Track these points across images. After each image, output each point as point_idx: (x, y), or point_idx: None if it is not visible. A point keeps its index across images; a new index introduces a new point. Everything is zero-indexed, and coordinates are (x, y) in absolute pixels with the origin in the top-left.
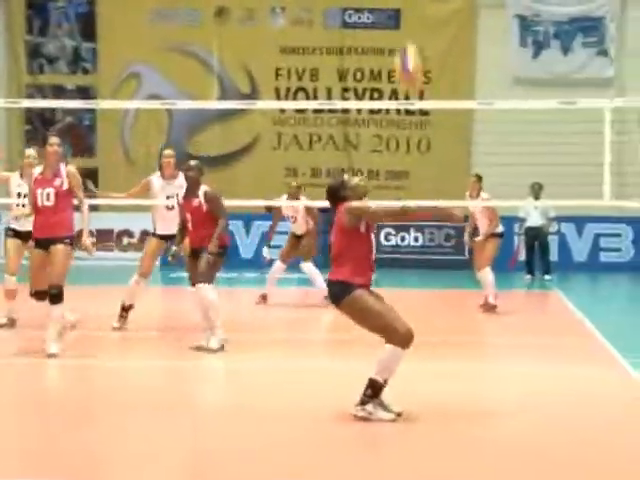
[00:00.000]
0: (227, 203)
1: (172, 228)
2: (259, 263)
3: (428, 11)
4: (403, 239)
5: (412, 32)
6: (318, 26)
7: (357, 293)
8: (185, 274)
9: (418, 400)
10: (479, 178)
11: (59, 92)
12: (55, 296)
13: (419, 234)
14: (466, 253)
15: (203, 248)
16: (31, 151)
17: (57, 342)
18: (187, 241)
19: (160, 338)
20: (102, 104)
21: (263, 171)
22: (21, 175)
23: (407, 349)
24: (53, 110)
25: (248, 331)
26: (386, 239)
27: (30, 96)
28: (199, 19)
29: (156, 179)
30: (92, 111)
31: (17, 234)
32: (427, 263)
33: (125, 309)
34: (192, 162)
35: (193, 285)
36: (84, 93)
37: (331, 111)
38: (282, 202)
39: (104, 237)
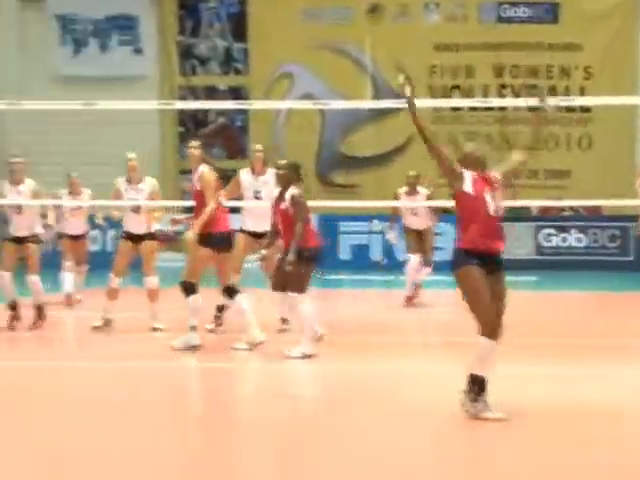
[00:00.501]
0: (383, 204)
1: (261, 225)
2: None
3: (587, 4)
4: (564, 240)
5: (571, 26)
6: (473, 21)
7: (467, 269)
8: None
9: (584, 404)
10: None
11: (211, 93)
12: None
13: (582, 235)
14: (631, 254)
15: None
16: (131, 155)
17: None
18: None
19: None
20: (254, 104)
21: (418, 170)
22: (128, 180)
23: (495, 340)
24: (206, 111)
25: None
26: (546, 240)
27: (183, 98)
28: (351, 17)
29: (245, 174)
30: (244, 112)
31: (129, 236)
32: (590, 264)
33: (220, 309)
34: (285, 161)
35: (274, 289)
36: (236, 94)
37: (488, 109)
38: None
39: None
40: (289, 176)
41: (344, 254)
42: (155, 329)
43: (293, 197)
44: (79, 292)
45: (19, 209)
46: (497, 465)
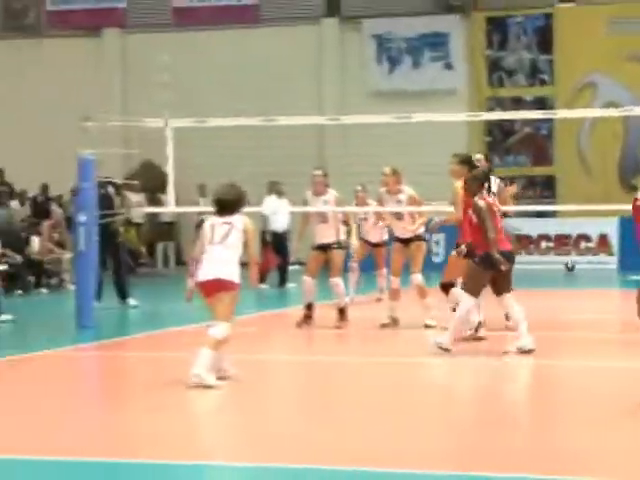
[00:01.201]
0: None
1: (325, 238)
2: None
3: None
4: None
5: None
6: None
7: None
8: None
9: None
10: None
11: (517, 104)
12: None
13: None
14: None
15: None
16: (387, 169)
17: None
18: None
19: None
20: (559, 114)
21: None
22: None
23: None
24: (512, 121)
25: None
26: None
27: (490, 109)
28: None
29: (308, 194)
30: (549, 121)
31: (399, 240)
32: None
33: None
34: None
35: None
36: (541, 104)
37: None
38: None
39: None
40: (470, 188)
41: None
42: (427, 326)
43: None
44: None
45: (324, 218)
46: None
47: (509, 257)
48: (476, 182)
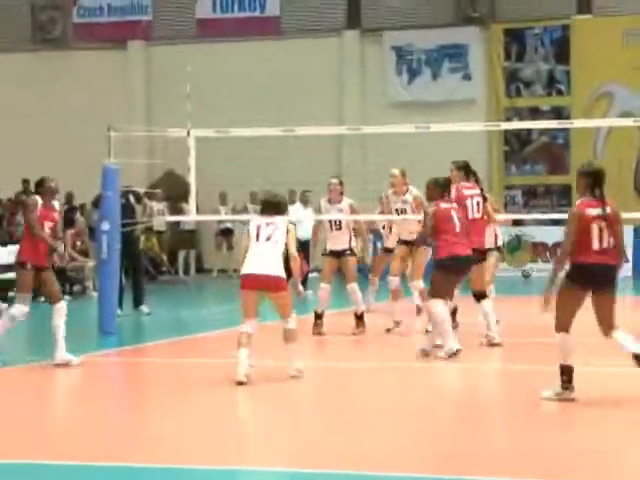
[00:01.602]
0: None
1: (338, 245)
2: None
3: None
4: None
5: None
6: None
7: None
8: None
9: None
10: None
11: (535, 113)
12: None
13: None
14: None
15: None
16: (395, 171)
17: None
18: None
19: None
20: (576, 123)
21: None
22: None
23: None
24: (529, 131)
25: None
26: None
27: (508, 118)
28: None
29: (323, 202)
30: (566, 130)
31: (404, 242)
32: None
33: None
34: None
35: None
36: (558, 113)
37: None
38: None
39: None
40: (430, 193)
41: None
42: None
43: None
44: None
45: (339, 225)
46: None
47: (463, 262)
48: (437, 189)
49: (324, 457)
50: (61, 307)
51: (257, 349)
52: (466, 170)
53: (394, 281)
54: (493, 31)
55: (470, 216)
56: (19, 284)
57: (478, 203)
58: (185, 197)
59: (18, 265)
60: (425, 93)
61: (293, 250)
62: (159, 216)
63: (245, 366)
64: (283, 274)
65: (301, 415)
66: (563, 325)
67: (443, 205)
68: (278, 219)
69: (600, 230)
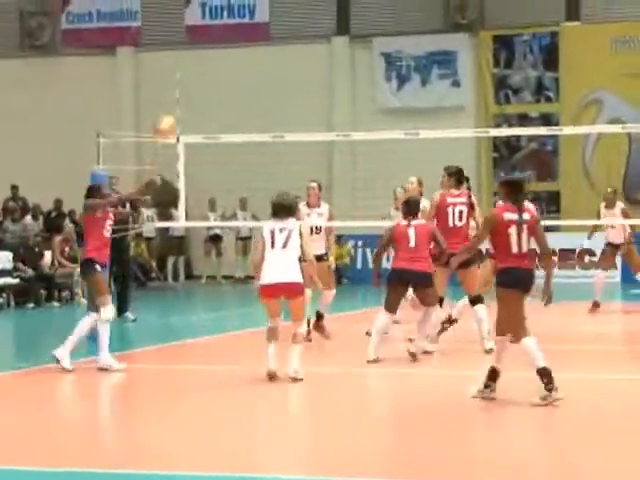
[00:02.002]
0: None
1: (317, 249)
2: None
3: None
4: None
5: None
6: None
7: None
8: None
9: None
10: None
11: (523, 120)
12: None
13: None
14: None
15: None
16: (413, 178)
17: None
18: None
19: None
20: (565, 130)
21: None
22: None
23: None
24: (518, 137)
25: None
26: None
27: (497, 125)
28: None
29: (302, 206)
30: (555, 137)
31: None
32: None
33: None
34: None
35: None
36: (547, 120)
37: None
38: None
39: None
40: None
41: None
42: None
43: None
44: None
45: (319, 230)
46: None
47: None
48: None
49: (313, 463)
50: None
51: (252, 354)
52: (458, 177)
53: None
54: (482, 38)
55: (450, 224)
56: (96, 288)
57: (461, 212)
58: (174, 203)
59: (88, 267)
60: (414, 99)
61: (309, 254)
62: (148, 222)
63: (273, 361)
64: (301, 279)
65: (291, 421)
66: (524, 331)
67: (403, 222)
68: (291, 223)
69: (518, 235)
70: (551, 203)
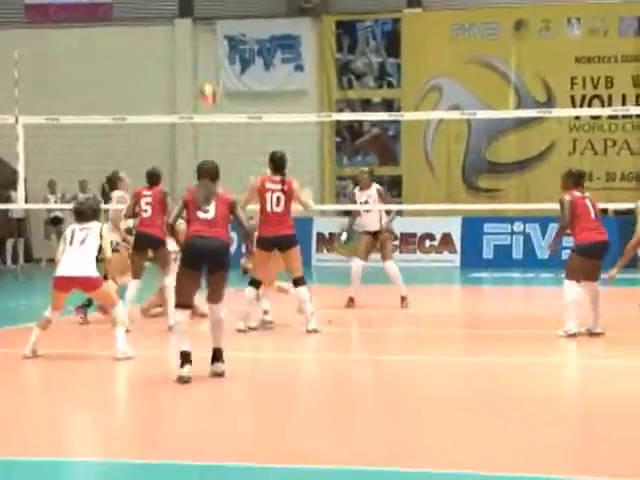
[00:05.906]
0: (525, 206)
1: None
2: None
3: None
4: None
5: None
6: (613, 35)
7: None
8: None
9: None
10: None
11: (366, 105)
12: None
13: None
14: None
15: None
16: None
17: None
18: None
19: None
20: (406, 116)
21: (558, 176)
22: None
23: None
24: (361, 122)
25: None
26: None
27: (340, 110)
28: (498, 32)
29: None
30: (397, 122)
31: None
32: None
33: None
34: None
35: None
36: (389, 106)
37: (625, 117)
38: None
39: (408, 240)
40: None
41: (487, 254)
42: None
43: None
44: None
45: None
46: None
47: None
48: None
49: (280, 452)
50: None
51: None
52: (275, 163)
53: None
54: (325, 23)
55: (269, 209)
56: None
57: (278, 198)
58: (13, 185)
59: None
60: (257, 83)
61: (107, 253)
62: None
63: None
64: (96, 273)
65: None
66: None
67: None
68: (93, 224)
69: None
70: (393, 187)
